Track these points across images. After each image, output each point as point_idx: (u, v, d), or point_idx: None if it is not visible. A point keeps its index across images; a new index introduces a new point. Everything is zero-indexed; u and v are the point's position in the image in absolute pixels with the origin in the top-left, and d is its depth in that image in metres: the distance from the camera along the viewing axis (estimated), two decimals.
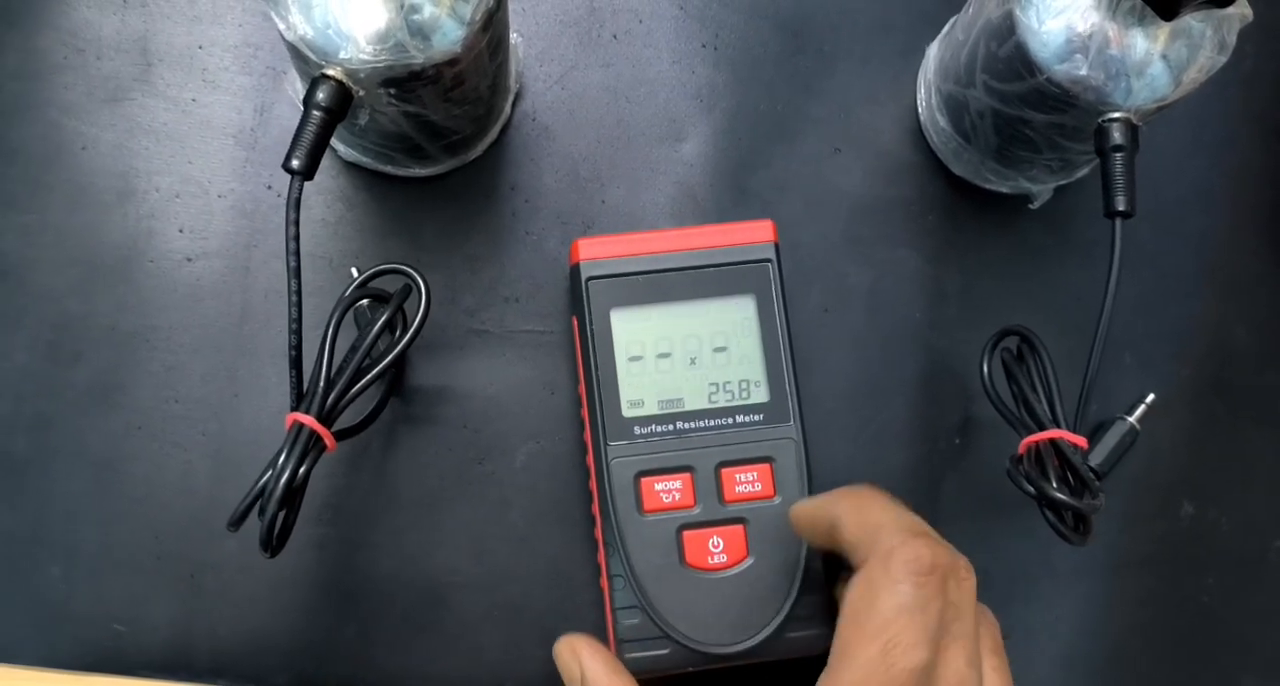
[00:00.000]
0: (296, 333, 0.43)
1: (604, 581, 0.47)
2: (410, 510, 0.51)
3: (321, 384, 0.44)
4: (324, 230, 0.52)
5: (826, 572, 0.46)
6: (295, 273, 0.43)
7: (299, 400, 0.44)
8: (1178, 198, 0.55)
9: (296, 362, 0.43)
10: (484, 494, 0.51)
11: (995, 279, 0.54)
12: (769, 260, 0.48)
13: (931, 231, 0.54)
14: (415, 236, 0.53)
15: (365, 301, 0.49)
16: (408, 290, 0.46)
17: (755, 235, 0.49)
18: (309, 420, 0.43)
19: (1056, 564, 0.53)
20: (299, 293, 0.43)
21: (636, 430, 0.47)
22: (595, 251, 0.48)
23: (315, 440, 0.43)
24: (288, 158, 0.42)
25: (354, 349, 0.46)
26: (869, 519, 0.37)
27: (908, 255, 0.54)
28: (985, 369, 0.47)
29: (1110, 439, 0.52)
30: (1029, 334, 0.47)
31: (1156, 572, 0.54)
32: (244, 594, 0.50)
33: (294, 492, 0.43)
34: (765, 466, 0.47)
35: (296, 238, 0.43)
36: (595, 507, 0.47)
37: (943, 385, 0.53)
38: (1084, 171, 0.53)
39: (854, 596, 0.35)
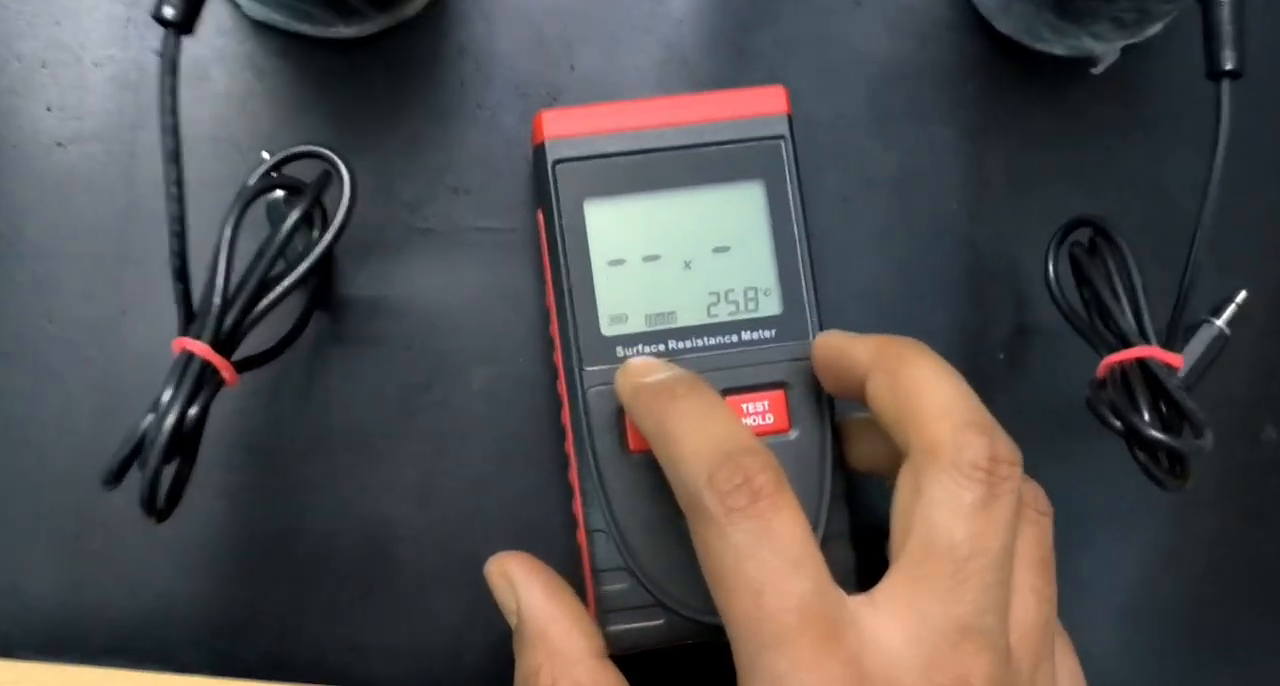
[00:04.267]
0: (179, 234, 0.33)
1: (581, 536, 0.39)
2: (342, 449, 0.42)
3: (217, 299, 0.34)
4: (229, 107, 0.43)
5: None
6: (173, 157, 0.33)
7: (188, 322, 0.34)
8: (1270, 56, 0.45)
9: (181, 273, 0.34)
10: (432, 427, 0.43)
11: (1048, 161, 0.45)
12: (781, 137, 0.39)
13: (972, 103, 0.45)
14: (341, 113, 0.43)
15: (279, 194, 0.39)
16: (327, 178, 0.37)
17: (763, 105, 0.40)
18: (200, 348, 0.34)
19: (1115, 503, 0.45)
20: (179, 183, 0.33)
21: (619, 351, 0.39)
22: (564, 127, 0.39)
23: (210, 372, 0.34)
24: (158, 4, 0.32)
25: (260, 254, 0.36)
26: (919, 393, 0.31)
27: (943, 132, 0.45)
28: (1051, 269, 0.38)
29: (1196, 346, 0.43)
30: (1105, 225, 0.38)
31: (1231, 508, 0.46)
32: (142, 556, 0.42)
33: (184, 439, 0.34)
34: (778, 394, 0.39)
35: (174, 111, 0.33)
36: (569, 446, 0.39)
37: (986, 289, 0.45)
38: (1157, 28, 0.44)
39: (901, 500, 0.31)
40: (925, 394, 0.31)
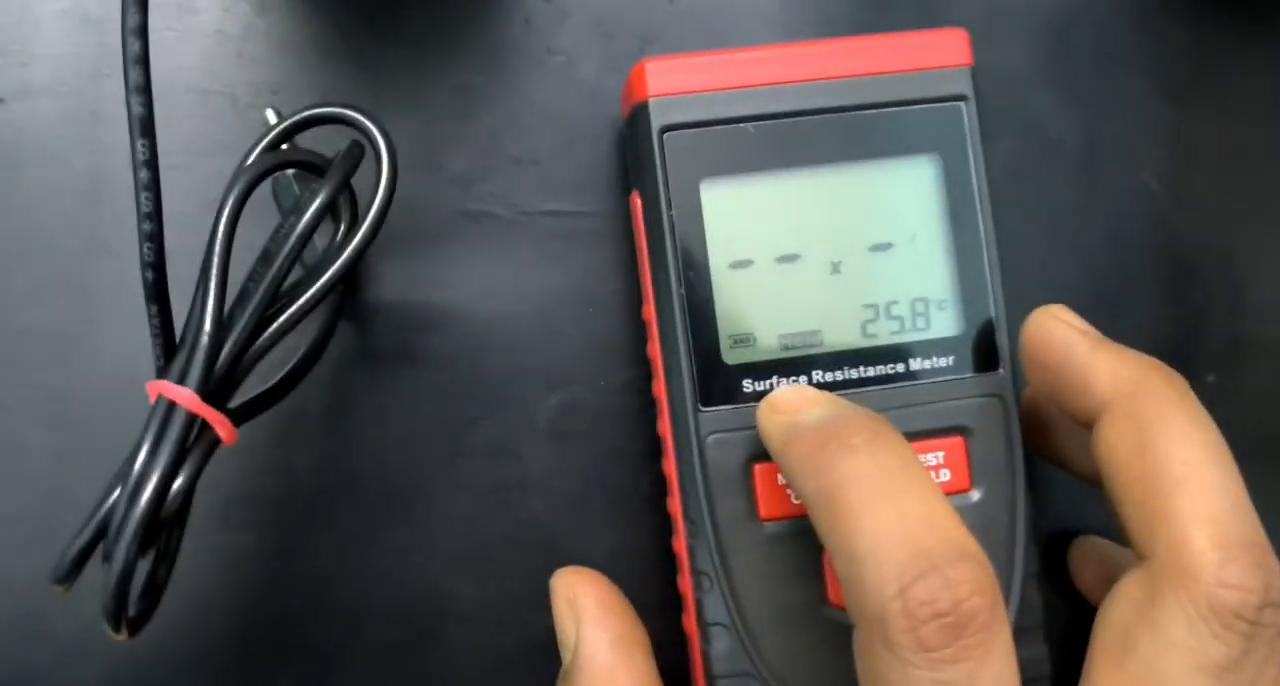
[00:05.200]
0: (152, 237, 0.23)
1: (690, 627, 0.30)
2: (373, 502, 0.33)
3: (207, 326, 0.25)
4: (221, 48, 0.34)
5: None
6: (143, 124, 0.23)
7: (167, 357, 0.25)
8: None
9: (157, 289, 0.24)
10: (488, 474, 0.34)
11: (1275, 131, 0.36)
12: (962, 97, 0.30)
13: (1179, 54, 0.36)
14: (369, 60, 0.34)
15: (290, 172, 0.30)
16: (358, 151, 0.27)
17: (938, 54, 0.31)
18: (184, 396, 0.24)
19: None
20: (152, 165, 0.23)
21: (746, 385, 0.29)
22: (674, 82, 0.30)
23: (199, 429, 0.24)
24: None
25: (267, 258, 0.26)
26: (1180, 480, 0.25)
27: (1141, 91, 0.36)
28: None
29: None
30: None
31: None
32: (116, 647, 0.31)
33: (163, 523, 0.24)
34: (956, 442, 0.30)
35: (143, 60, 0.23)
36: (674, 505, 0.30)
37: (1191, 291, 0.36)
38: None
39: (1120, 613, 0.25)
40: (1189, 485, 0.25)
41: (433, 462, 0.33)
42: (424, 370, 0.33)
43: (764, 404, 0.28)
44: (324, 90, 0.33)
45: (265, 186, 0.31)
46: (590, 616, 0.30)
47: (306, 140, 0.29)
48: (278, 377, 0.28)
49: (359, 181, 0.28)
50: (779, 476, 0.29)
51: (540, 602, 0.33)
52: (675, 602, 0.31)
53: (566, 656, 0.30)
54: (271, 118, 0.31)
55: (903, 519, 0.24)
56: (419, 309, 0.33)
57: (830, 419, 0.26)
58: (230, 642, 0.33)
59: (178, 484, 0.24)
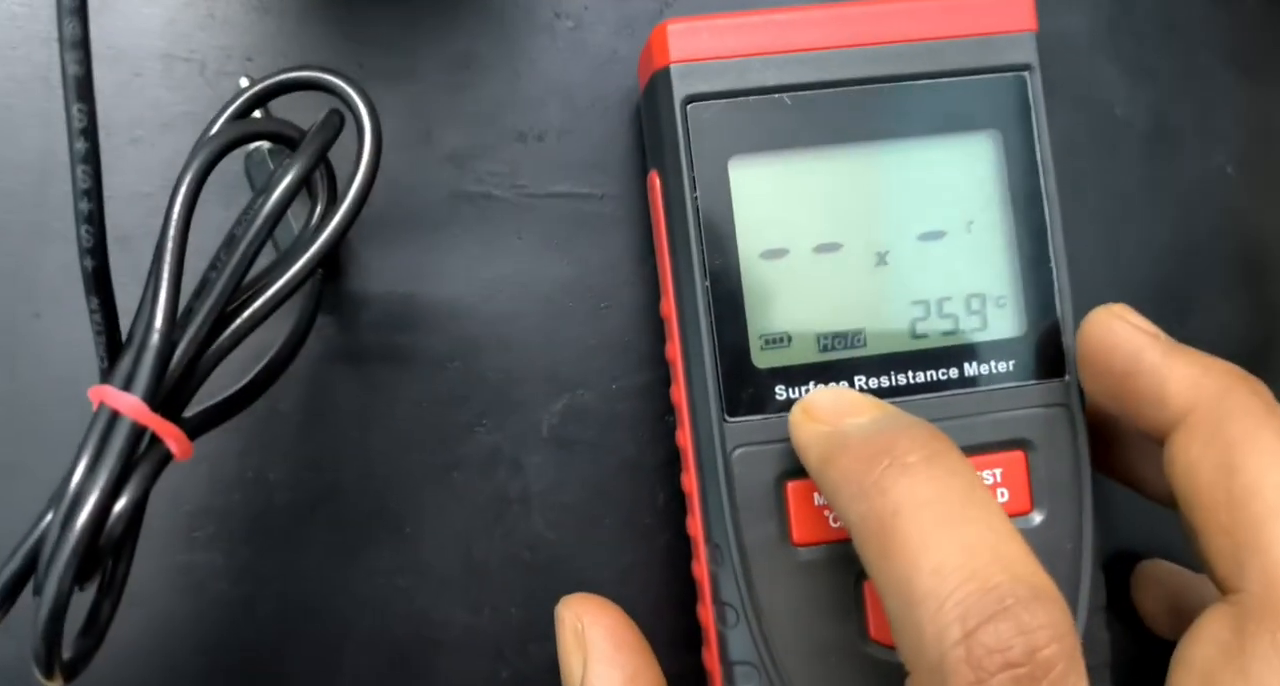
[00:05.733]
0: (90, 217, 0.20)
1: (711, 662, 0.27)
2: (355, 518, 0.30)
3: (158, 324, 0.21)
4: (189, 9, 0.31)
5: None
6: (80, 86, 0.20)
7: (111, 359, 0.21)
8: None
9: (97, 281, 0.21)
10: (485, 487, 0.30)
11: None
12: (1026, 66, 0.27)
13: (1252, 25, 0.33)
14: (355, 21, 0.30)
15: (265, 147, 0.26)
16: (338, 121, 0.24)
17: (998, 18, 0.27)
18: (130, 404, 0.21)
19: None
20: (89, 131, 0.20)
21: (779, 392, 0.26)
22: (698, 46, 0.26)
23: (149, 444, 0.21)
24: None
25: (232, 242, 0.23)
26: (1271, 509, 0.22)
27: (1214, 65, 0.33)
28: None
29: None
30: None
31: None
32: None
33: (104, 549, 0.21)
34: (1016, 457, 0.27)
35: (80, 9, 0.20)
36: (695, 527, 0.27)
37: (1272, 287, 0.33)
38: None
39: (1204, 656, 0.22)
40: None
41: (423, 474, 0.30)
42: (414, 371, 0.30)
43: (798, 409, 0.25)
44: (304, 57, 0.30)
45: (238, 165, 0.28)
46: (600, 652, 0.27)
47: (285, 113, 0.26)
48: (244, 381, 0.24)
49: (341, 157, 0.24)
50: (816, 496, 0.26)
51: (542, 632, 0.30)
52: (694, 636, 0.28)
53: None
54: (244, 84, 0.27)
55: (968, 552, 0.21)
56: (409, 302, 0.30)
57: (880, 430, 0.23)
58: (196, 676, 0.29)
59: (120, 505, 0.21)
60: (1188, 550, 0.25)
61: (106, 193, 0.29)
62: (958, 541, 0.21)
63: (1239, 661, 0.22)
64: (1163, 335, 0.25)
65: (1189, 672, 0.22)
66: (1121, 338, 0.25)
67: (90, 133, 0.20)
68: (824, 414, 0.24)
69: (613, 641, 0.27)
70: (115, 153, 0.29)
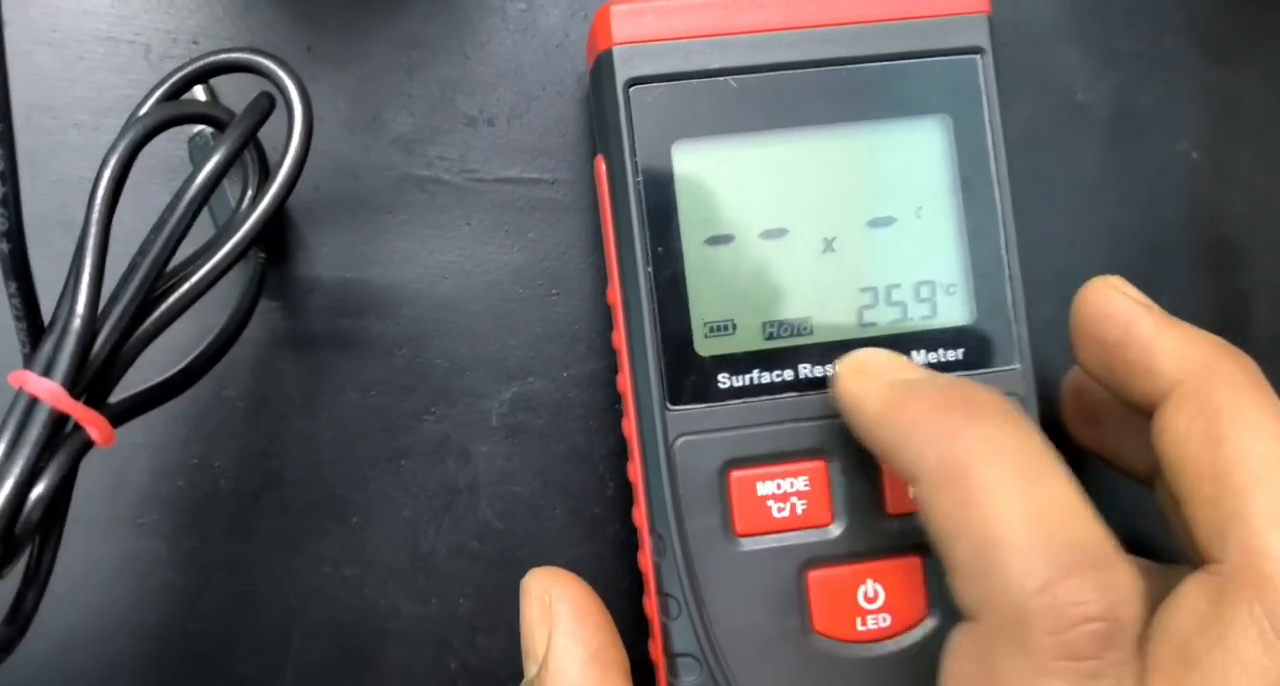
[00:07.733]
0: (5, 199, 0.20)
1: (657, 655, 0.27)
2: (301, 506, 0.29)
3: (80, 309, 0.21)
4: None
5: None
6: None
7: (33, 343, 0.21)
8: None
9: (15, 264, 0.20)
10: (433, 475, 0.30)
11: None
12: (978, 50, 0.27)
13: (1218, 8, 0.33)
14: (304, 8, 0.30)
15: (208, 132, 0.26)
16: (267, 103, 0.23)
17: (950, 0, 0.27)
18: (49, 390, 0.20)
19: None
20: (3, 111, 0.19)
21: (722, 380, 0.26)
22: (642, 27, 0.26)
23: (68, 431, 0.21)
24: None
25: (159, 226, 0.22)
26: (1252, 482, 0.23)
27: (1180, 50, 0.32)
28: None
29: None
30: None
31: None
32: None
33: (16, 540, 0.20)
34: None
35: None
36: (639, 517, 0.27)
37: (1237, 273, 0.32)
38: None
39: (1181, 623, 0.23)
40: (1263, 487, 0.22)
41: (370, 462, 0.30)
42: (362, 357, 0.30)
43: (844, 368, 0.25)
44: (251, 40, 0.30)
45: (183, 148, 0.27)
46: (565, 625, 0.26)
47: (232, 100, 0.25)
48: (177, 368, 0.24)
49: (270, 137, 0.24)
50: (759, 486, 0.25)
51: (491, 623, 0.30)
52: (644, 627, 0.27)
53: (531, 668, 0.26)
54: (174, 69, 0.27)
55: (1050, 504, 0.21)
56: (357, 288, 0.30)
57: (952, 381, 0.24)
58: (138, 665, 0.29)
59: (38, 491, 0.20)
60: (1164, 528, 0.25)
61: (50, 177, 0.29)
62: (1040, 493, 0.21)
63: (1216, 630, 0.22)
64: (1156, 307, 0.25)
65: (1167, 641, 0.23)
66: (1116, 308, 0.25)
67: (4, 115, 0.19)
68: (880, 369, 0.25)
69: (579, 615, 0.26)
70: (58, 137, 0.29)
